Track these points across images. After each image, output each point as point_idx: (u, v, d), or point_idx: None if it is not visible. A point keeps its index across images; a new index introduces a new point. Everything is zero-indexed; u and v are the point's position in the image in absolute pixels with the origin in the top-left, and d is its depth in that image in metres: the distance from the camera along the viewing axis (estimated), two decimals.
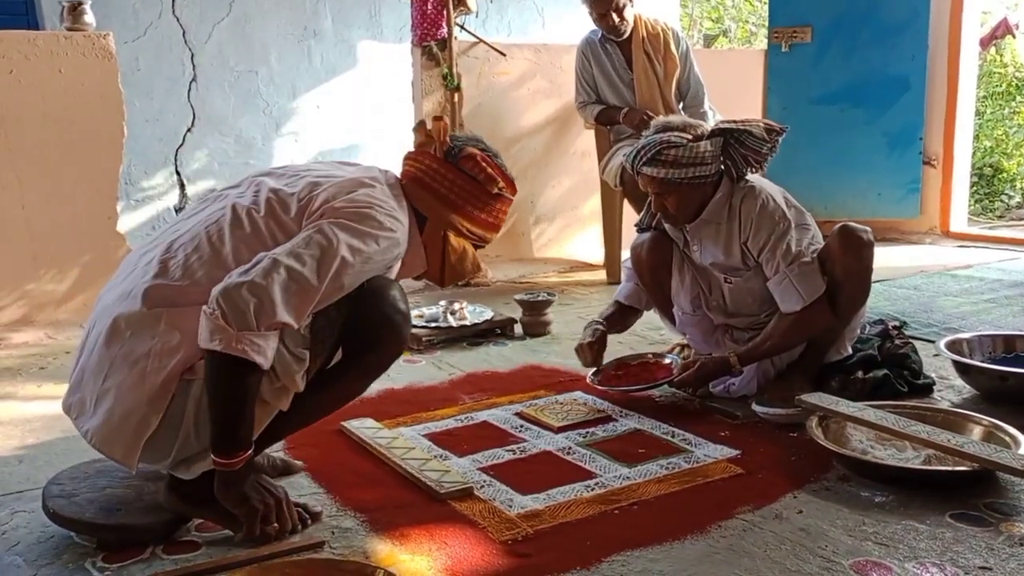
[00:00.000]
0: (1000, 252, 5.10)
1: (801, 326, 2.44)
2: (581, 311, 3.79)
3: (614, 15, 4.08)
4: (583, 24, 4.39)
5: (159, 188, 5.50)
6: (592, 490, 2.00)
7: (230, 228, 1.77)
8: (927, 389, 2.61)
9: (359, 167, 1.99)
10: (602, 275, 4.55)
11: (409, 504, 1.95)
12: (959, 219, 5.67)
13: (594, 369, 2.69)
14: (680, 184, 2.43)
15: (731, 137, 2.44)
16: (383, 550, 1.75)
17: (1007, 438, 2.08)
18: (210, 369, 1.64)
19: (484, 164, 1.99)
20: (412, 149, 2.08)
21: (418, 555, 1.72)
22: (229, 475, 1.70)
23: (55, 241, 3.65)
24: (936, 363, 2.83)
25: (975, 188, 6.95)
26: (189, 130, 5.52)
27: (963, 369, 2.60)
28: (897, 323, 2.90)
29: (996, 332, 2.96)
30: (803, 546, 1.74)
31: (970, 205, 6.16)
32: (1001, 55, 8.53)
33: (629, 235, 3.02)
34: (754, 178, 2.53)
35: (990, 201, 7.20)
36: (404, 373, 2.90)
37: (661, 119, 2.58)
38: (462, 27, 4.66)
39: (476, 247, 2.05)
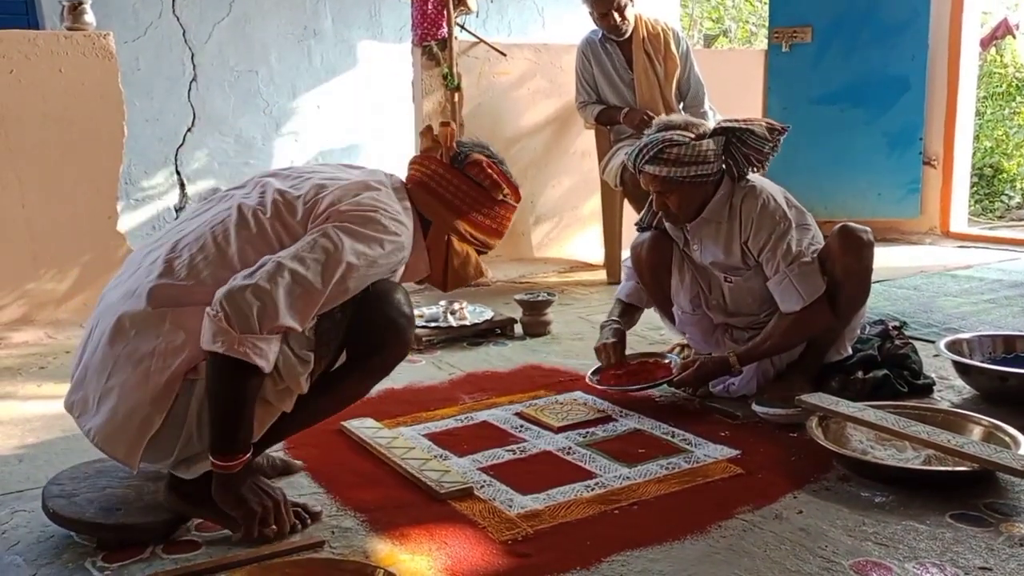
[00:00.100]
0: (1000, 252, 5.10)
1: (801, 326, 2.44)
2: (581, 311, 3.79)
3: (615, 15, 4.07)
4: (583, 24, 4.39)
5: (159, 188, 5.51)
6: (592, 490, 2.00)
7: (235, 229, 1.77)
8: (927, 389, 2.61)
9: (364, 170, 1.99)
10: (602, 275, 4.55)
11: (409, 504, 1.94)
12: (959, 219, 5.67)
13: (593, 368, 2.69)
14: (682, 183, 2.43)
15: (733, 136, 2.44)
16: (383, 550, 1.75)
17: (1007, 438, 2.08)
18: (212, 371, 1.64)
19: (490, 170, 1.99)
20: (417, 153, 2.08)
21: (418, 555, 1.72)
22: (227, 477, 1.70)
23: (55, 241, 3.66)
24: (936, 363, 2.83)
25: (975, 188, 6.95)
26: (189, 130, 5.53)
27: (963, 369, 2.60)
28: (897, 323, 2.90)
29: (996, 332, 2.96)
30: (803, 546, 1.74)
31: (970, 205, 6.16)
32: (1001, 55, 8.53)
33: (629, 235, 3.03)
34: (755, 178, 2.53)
35: (990, 201, 7.20)
36: (404, 373, 2.89)
37: (663, 118, 2.58)
38: (462, 27, 4.66)
39: (479, 252, 2.05)
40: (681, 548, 1.74)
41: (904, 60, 5.38)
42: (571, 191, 5.12)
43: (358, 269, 1.73)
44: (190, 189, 5.57)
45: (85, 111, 3.65)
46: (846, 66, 5.47)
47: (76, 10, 3.68)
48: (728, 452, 2.21)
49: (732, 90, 5.18)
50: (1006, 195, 7.25)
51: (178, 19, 5.41)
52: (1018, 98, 8.05)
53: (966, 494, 1.93)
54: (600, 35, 4.26)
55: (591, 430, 2.39)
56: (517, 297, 3.49)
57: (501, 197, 2.01)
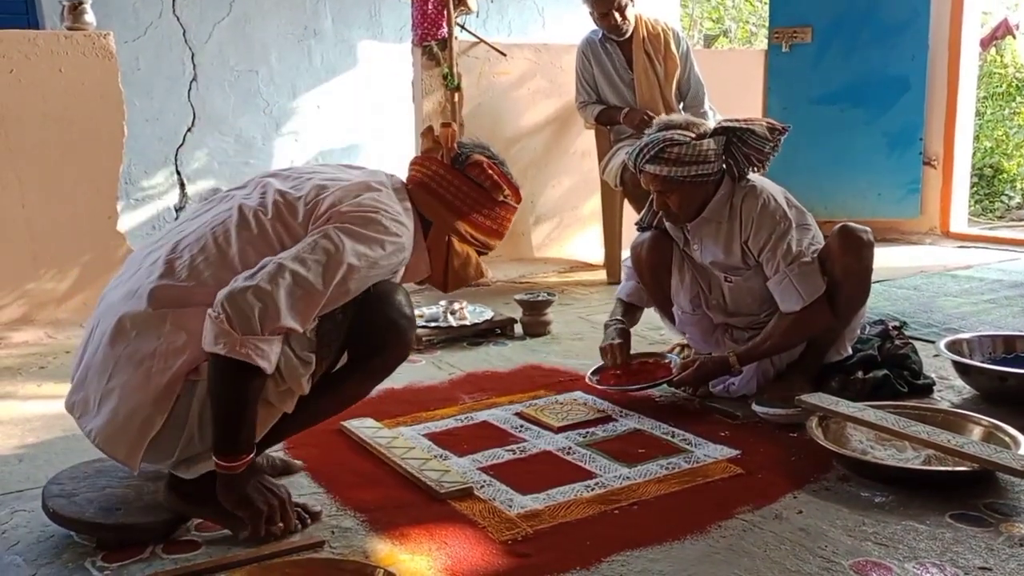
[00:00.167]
0: (1000, 252, 5.10)
1: (801, 326, 2.44)
2: (581, 311, 3.80)
3: (616, 14, 4.07)
4: (583, 24, 4.39)
5: (159, 188, 5.51)
6: (592, 490, 2.00)
7: (236, 229, 1.77)
8: (927, 389, 2.61)
9: (364, 170, 1.99)
10: (602, 275, 4.55)
11: (409, 504, 1.95)
12: (959, 219, 5.67)
13: (593, 368, 2.69)
14: (682, 182, 2.43)
15: (734, 136, 2.44)
16: (383, 550, 1.75)
17: (1007, 438, 2.08)
18: (213, 372, 1.64)
19: (490, 171, 1.99)
20: (418, 153, 2.08)
21: (418, 555, 1.72)
22: (231, 478, 1.70)
23: (55, 240, 3.65)
24: (936, 363, 2.83)
25: (975, 188, 6.95)
26: (189, 130, 5.53)
27: (963, 369, 2.60)
28: (897, 323, 2.90)
29: (996, 332, 2.96)
30: (803, 546, 1.74)
31: (970, 205, 6.16)
32: (1001, 55, 8.53)
33: (629, 235, 3.03)
34: (755, 178, 2.53)
35: (990, 202, 7.20)
36: (404, 373, 2.87)
37: (664, 117, 2.58)
38: (462, 27, 4.66)
39: (480, 253, 2.06)
40: (681, 548, 1.74)
41: (904, 60, 5.38)
42: (571, 191, 5.12)
43: (359, 270, 1.73)
44: (190, 189, 5.57)
45: (85, 111, 3.65)
46: (846, 66, 5.46)
47: (76, 10, 3.68)
48: (728, 452, 2.21)
49: (732, 90, 5.18)
50: (1006, 195, 7.24)
51: (178, 19, 5.41)
52: (1018, 98, 8.05)
53: (966, 494, 1.93)
54: (600, 35, 4.26)
55: (591, 430, 2.39)
56: (517, 297, 3.49)
57: (502, 198, 2.01)
